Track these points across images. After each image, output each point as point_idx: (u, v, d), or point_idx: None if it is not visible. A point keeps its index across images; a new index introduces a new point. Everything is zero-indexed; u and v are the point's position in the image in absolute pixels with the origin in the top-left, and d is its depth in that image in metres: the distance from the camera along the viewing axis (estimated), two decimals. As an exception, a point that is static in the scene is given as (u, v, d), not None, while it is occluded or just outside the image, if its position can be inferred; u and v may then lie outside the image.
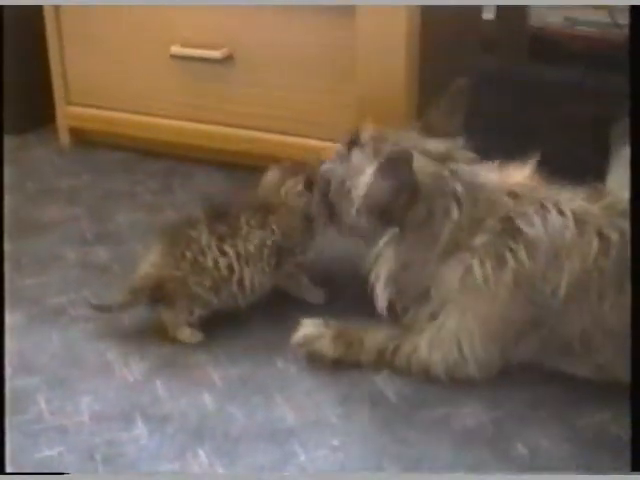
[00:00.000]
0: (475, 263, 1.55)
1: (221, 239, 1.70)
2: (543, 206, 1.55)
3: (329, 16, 2.14)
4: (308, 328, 1.66)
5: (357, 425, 1.52)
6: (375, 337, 1.65)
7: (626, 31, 2.78)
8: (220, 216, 1.73)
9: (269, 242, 1.74)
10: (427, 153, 1.59)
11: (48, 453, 1.45)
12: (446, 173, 1.57)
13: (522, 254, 1.53)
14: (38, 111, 2.62)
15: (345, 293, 1.86)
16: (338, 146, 1.70)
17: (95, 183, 2.39)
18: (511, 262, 1.53)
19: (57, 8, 2.42)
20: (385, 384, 1.61)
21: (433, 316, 1.62)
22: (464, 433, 1.50)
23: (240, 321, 1.77)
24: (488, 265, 1.54)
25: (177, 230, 1.73)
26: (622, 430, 1.48)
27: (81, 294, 1.85)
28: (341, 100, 2.19)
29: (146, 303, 1.72)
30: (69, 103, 2.53)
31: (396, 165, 1.53)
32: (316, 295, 1.84)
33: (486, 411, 1.54)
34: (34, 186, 2.37)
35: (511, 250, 1.53)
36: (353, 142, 1.66)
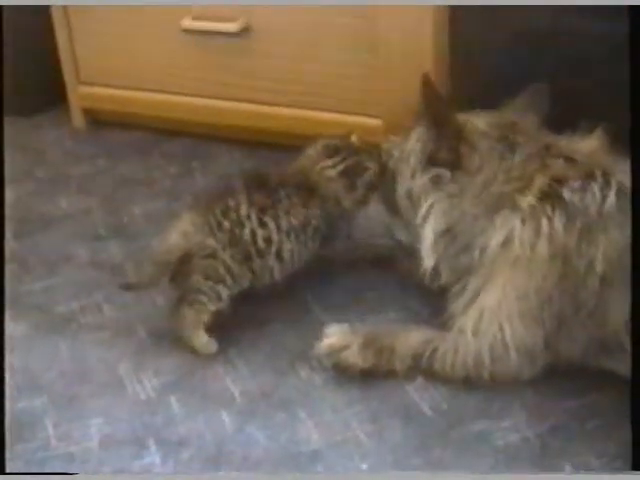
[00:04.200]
0: (518, 226, 1.47)
1: (262, 210, 1.60)
2: (591, 174, 1.46)
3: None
4: (333, 337, 1.52)
5: (389, 445, 1.39)
6: (408, 341, 1.52)
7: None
8: (260, 187, 1.63)
9: (314, 222, 1.66)
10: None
11: (53, 485, 1.35)
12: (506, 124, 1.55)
13: (558, 223, 1.44)
14: (49, 91, 2.48)
15: (373, 289, 1.74)
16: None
17: (110, 168, 2.25)
18: (546, 231, 1.45)
19: (62, -16, 2.28)
20: (420, 396, 1.48)
21: (472, 300, 1.51)
22: (506, 450, 1.37)
23: (259, 325, 1.65)
24: (527, 230, 1.46)
25: (213, 198, 1.62)
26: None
27: (93, 299, 1.73)
28: (361, 72, 2.05)
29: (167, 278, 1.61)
30: (80, 82, 2.39)
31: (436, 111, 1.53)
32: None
33: (530, 425, 1.41)
34: (44, 173, 2.24)
35: (549, 218, 1.45)
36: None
